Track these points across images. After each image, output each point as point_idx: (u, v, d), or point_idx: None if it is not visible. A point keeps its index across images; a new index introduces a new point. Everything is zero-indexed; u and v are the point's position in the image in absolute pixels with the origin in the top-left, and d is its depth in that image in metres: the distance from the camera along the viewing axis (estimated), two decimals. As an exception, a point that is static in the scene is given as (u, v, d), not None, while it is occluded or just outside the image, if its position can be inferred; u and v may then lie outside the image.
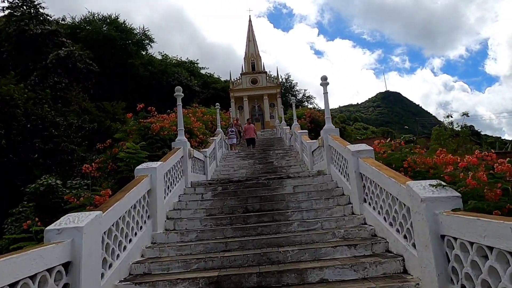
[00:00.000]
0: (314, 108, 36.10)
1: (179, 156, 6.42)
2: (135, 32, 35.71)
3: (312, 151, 8.12)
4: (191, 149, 7.05)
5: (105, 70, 32.19)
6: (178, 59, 49.25)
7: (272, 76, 39.36)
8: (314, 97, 52.53)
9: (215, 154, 10.26)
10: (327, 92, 6.45)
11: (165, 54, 48.28)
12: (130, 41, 34.73)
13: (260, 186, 6.44)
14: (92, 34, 31.00)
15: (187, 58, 50.29)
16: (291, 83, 49.22)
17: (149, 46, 37.98)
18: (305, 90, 49.63)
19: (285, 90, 43.86)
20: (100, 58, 31.44)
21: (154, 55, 43.93)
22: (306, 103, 45.45)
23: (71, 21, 33.88)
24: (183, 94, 6.96)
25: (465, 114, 18.94)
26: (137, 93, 32.19)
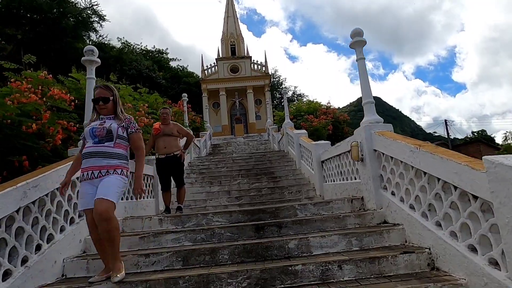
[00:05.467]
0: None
1: None
2: (77, 5, 26.88)
3: None
4: None
5: (33, 52, 23.47)
6: (142, 47, 40.85)
7: (259, 63, 29.67)
8: (306, 95, 45.26)
9: None
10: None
11: (126, 41, 39.70)
12: (70, 16, 25.90)
13: None
14: (3, 2, 21.79)
15: (154, 46, 41.90)
16: (279, 78, 41.63)
17: (99, 25, 29.17)
18: (295, 87, 42.20)
19: (271, 88, 36.30)
20: (24, 37, 22.59)
21: (111, 42, 35.28)
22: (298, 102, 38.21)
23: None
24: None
25: None
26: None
